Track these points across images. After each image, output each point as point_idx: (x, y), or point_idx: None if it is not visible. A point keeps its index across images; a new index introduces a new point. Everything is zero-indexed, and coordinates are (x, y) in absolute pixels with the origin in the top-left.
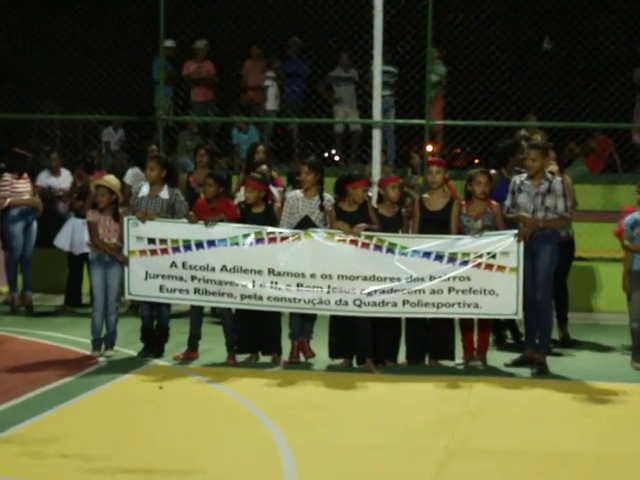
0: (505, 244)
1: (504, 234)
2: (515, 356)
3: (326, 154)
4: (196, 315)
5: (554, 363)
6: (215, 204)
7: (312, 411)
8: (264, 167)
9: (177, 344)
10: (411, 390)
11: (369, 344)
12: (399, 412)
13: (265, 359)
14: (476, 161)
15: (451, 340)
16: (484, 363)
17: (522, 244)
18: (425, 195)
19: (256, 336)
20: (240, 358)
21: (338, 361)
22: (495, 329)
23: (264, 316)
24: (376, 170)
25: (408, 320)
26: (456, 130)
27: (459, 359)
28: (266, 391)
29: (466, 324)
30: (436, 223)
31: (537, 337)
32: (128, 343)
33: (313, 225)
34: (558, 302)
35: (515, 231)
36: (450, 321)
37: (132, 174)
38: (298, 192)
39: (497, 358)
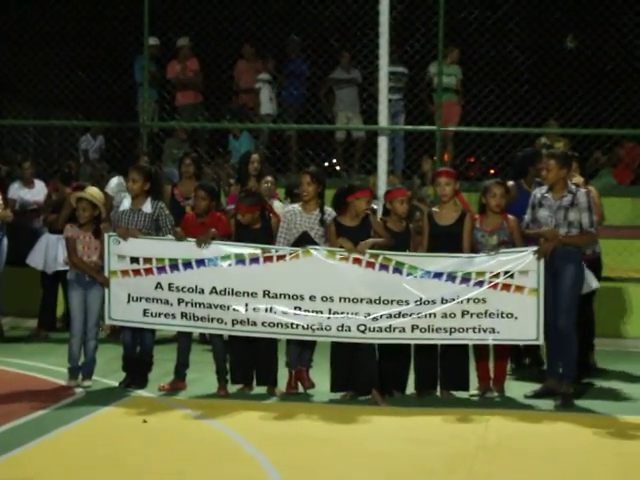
0: (524, 262)
1: (523, 251)
2: (536, 386)
3: (326, 164)
4: (184, 341)
5: (580, 394)
6: (205, 219)
7: (312, 447)
8: (269, 178)
9: (162, 373)
10: (421, 424)
11: (375, 373)
12: (408, 449)
13: (259, 390)
14: (492, 171)
15: (465, 369)
16: (502, 394)
17: (543, 262)
18: (434, 209)
19: (250, 365)
20: (232, 389)
21: (340, 394)
22: (514, 356)
23: (258, 343)
24: (382, 181)
25: (417, 347)
26: (470, 137)
27: (474, 390)
28: (261, 426)
29: (481, 351)
30: (447, 239)
31: (560, 366)
32: (108, 372)
33: (313, 242)
34: (583, 328)
35: (535, 248)
36: (464, 348)
37: (116, 184)
38: (296, 206)
39: (516, 388)
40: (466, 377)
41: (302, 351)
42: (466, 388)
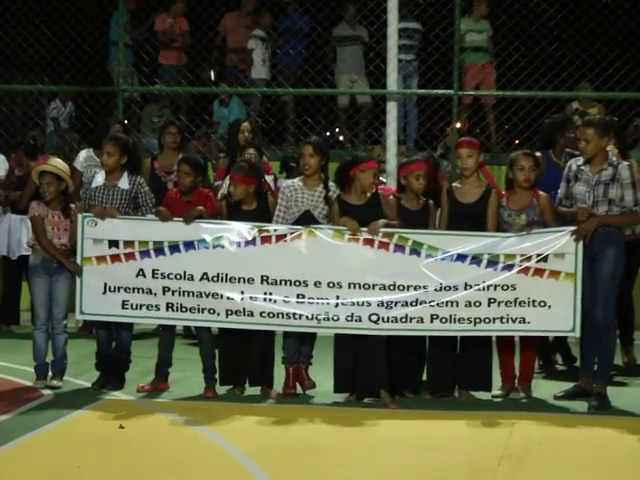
0: (560, 243)
1: (558, 231)
2: (567, 386)
3: (328, 133)
4: (166, 336)
5: (617, 395)
6: (191, 197)
7: (312, 457)
8: (251, 151)
9: (141, 372)
10: (437, 429)
11: (384, 371)
12: (422, 458)
13: (252, 391)
14: (516, 142)
15: (487, 366)
16: (528, 395)
17: (581, 244)
18: (455, 184)
19: (242, 363)
20: (221, 390)
21: (344, 395)
22: (542, 352)
23: (252, 337)
24: (391, 153)
25: (433, 340)
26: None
27: (497, 390)
28: (254, 432)
29: (506, 345)
30: (469, 218)
31: (595, 362)
32: (80, 371)
33: (316, 223)
34: (622, 319)
35: (572, 227)
36: (486, 341)
37: (85, 157)
38: (296, 181)
39: (545, 388)
40: (488, 375)
41: (300, 345)
42: (488, 388)
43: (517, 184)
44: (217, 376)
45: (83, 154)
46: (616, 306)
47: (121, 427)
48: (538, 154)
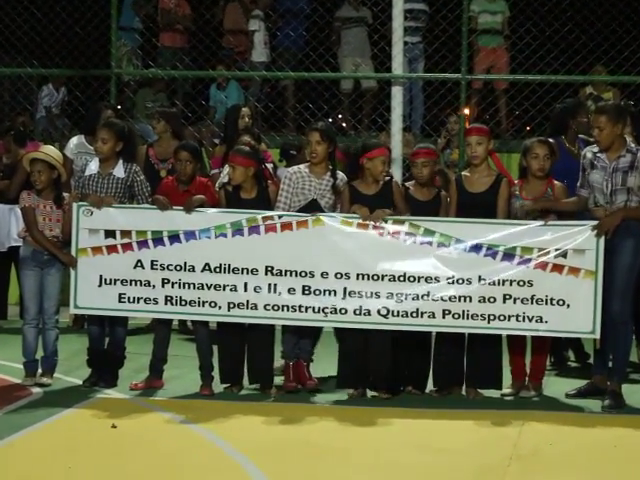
0: (580, 239)
1: (579, 225)
2: (580, 383)
3: (330, 119)
4: (162, 332)
5: (631, 393)
6: (189, 186)
7: (313, 457)
8: (246, 138)
9: (135, 369)
10: (443, 429)
11: (388, 365)
12: (427, 459)
13: (251, 388)
14: (527, 128)
15: (496, 362)
16: (539, 393)
17: (602, 240)
18: (464, 173)
19: (240, 360)
20: (218, 388)
21: (347, 392)
22: (554, 348)
23: (251, 333)
24: (396, 140)
25: (440, 335)
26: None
27: (506, 388)
28: (252, 431)
29: (516, 341)
30: (478, 209)
31: (610, 359)
32: (71, 368)
33: (322, 212)
34: (638, 314)
35: (594, 222)
36: (495, 337)
37: (75, 144)
38: (302, 167)
39: (556, 386)
40: (497, 372)
41: (300, 339)
42: (497, 386)
43: (531, 173)
44: (214, 374)
45: (74, 141)
46: (633, 301)
47: (114, 426)
48: (550, 141)
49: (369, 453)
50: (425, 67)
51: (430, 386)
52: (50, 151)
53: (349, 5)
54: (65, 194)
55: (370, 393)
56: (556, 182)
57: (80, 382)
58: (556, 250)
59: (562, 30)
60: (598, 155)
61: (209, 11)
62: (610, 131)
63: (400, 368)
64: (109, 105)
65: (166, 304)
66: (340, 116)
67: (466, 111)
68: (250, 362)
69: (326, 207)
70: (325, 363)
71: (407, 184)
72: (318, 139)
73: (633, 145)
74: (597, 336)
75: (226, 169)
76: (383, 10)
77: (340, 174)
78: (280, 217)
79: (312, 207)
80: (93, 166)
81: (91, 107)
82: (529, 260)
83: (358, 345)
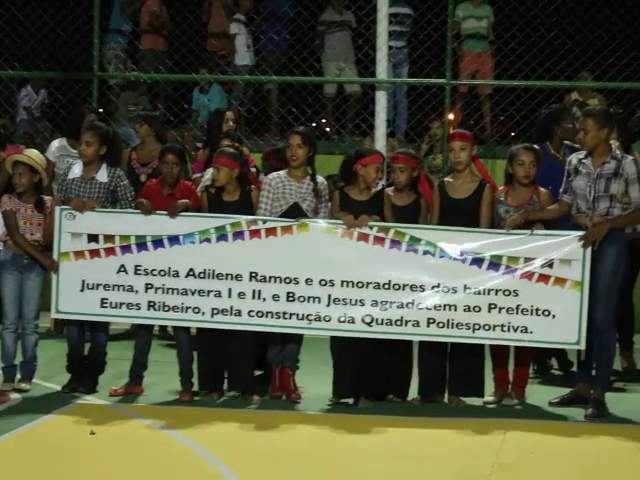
0: (566, 249)
1: (566, 235)
2: (563, 392)
3: (314, 124)
4: (143, 337)
5: (615, 402)
6: (173, 189)
7: (295, 465)
8: (226, 142)
9: (115, 375)
10: (425, 437)
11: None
12: (409, 466)
13: (231, 395)
14: (512, 134)
15: (479, 370)
16: (522, 401)
17: (589, 251)
18: (447, 179)
19: (221, 366)
20: (198, 394)
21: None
22: (537, 356)
23: (232, 338)
24: (380, 145)
25: (422, 342)
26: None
27: (489, 396)
28: (233, 439)
29: (499, 350)
30: (461, 215)
31: (594, 367)
32: (51, 373)
33: (304, 216)
34: (622, 322)
35: (581, 232)
36: (478, 346)
37: (57, 147)
38: (282, 172)
39: (539, 394)
40: (480, 380)
41: (284, 345)
42: (480, 393)
43: (516, 180)
44: (194, 380)
45: (55, 144)
46: (617, 308)
47: (92, 433)
48: (535, 146)
49: (351, 461)
50: (409, 72)
51: (412, 394)
52: (33, 154)
53: (333, 9)
54: (47, 197)
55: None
56: (541, 189)
57: (59, 388)
58: (543, 260)
59: (547, 36)
60: (583, 161)
61: (192, 14)
62: (595, 134)
63: (381, 376)
64: (92, 108)
65: (149, 309)
66: (324, 121)
67: (450, 116)
68: (231, 368)
69: (308, 210)
70: (307, 369)
71: (386, 190)
72: (299, 142)
73: (618, 152)
74: (582, 347)
75: (208, 173)
76: (367, 14)
77: (320, 178)
78: (265, 222)
79: (294, 210)
80: (76, 170)
81: (74, 110)
82: (515, 270)
83: (355, 353)
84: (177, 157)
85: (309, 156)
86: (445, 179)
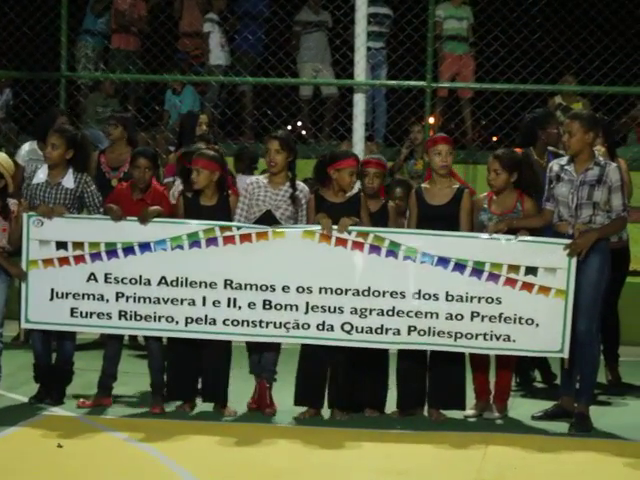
0: (551, 257)
1: (551, 243)
2: (547, 405)
3: (289, 127)
4: (112, 347)
5: (600, 415)
6: (144, 194)
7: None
8: (200, 145)
9: (83, 386)
10: (403, 452)
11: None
12: None
13: (205, 407)
14: (494, 138)
15: (459, 382)
16: (504, 414)
17: (575, 260)
18: (424, 185)
19: (193, 376)
20: (170, 407)
21: (302, 409)
22: (519, 369)
23: (205, 348)
24: (358, 149)
25: (400, 353)
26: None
27: (470, 409)
28: (206, 452)
29: (479, 359)
30: (440, 222)
31: (577, 380)
32: (16, 384)
33: (278, 224)
34: (606, 333)
35: (566, 241)
36: (458, 354)
37: (27, 151)
38: (261, 177)
39: (522, 408)
40: (461, 392)
41: (261, 355)
42: (461, 406)
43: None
44: (165, 391)
45: (26, 147)
46: (601, 320)
47: (59, 446)
48: (518, 151)
49: (326, 476)
50: (389, 74)
51: (390, 407)
52: (0, 158)
53: (309, 9)
54: (12, 201)
55: (326, 413)
56: (526, 196)
57: (25, 399)
58: (527, 268)
59: (531, 38)
60: (565, 168)
61: (164, 13)
62: (581, 137)
63: (357, 388)
64: (63, 111)
65: (120, 319)
66: (300, 123)
67: (431, 120)
68: (204, 379)
69: (282, 219)
70: (283, 381)
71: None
72: (277, 148)
73: (602, 158)
74: (566, 355)
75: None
76: (345, 14)
77: (300, 184)
78: (239, 228)
79: (267, 218)
80: (41, 174)
81: (45, 112)
82: (498, 277)
83: (320, 357)
84: (150, 161)
85: (289, 161)
86: (422, 185)
